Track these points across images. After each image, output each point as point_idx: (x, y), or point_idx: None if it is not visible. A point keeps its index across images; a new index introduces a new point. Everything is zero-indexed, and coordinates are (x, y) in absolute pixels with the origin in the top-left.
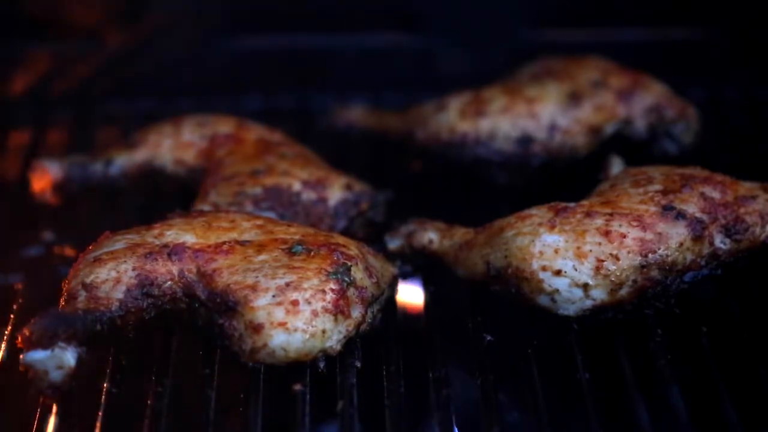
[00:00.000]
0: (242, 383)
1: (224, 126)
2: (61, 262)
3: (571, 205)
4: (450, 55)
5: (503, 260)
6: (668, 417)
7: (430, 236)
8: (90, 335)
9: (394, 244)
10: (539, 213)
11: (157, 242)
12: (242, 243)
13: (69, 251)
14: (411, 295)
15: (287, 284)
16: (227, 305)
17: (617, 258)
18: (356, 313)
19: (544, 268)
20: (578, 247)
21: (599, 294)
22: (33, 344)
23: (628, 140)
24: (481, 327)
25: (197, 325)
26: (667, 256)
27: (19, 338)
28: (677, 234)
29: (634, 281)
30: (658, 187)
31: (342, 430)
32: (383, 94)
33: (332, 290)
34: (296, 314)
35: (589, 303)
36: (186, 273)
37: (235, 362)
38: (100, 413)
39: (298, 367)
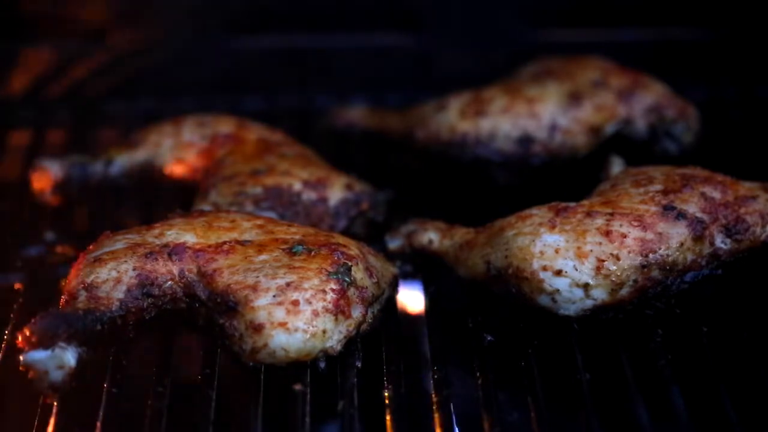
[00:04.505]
0: (242, 383)
1: (225, 126)
2: (61, 262)
3: (572, 205)
4: (450, 55)
5: (504, 260)
6: (668, 417)
7: (431, 236)
8: (90, 335)
9: (394, 244)
10: (540, 213)
11: (157, 242)
12: (243, 243)
13: (69, 251)
14: (411, 295)
15: (288, 284)
16: (228, 305)
17: (618, 258)
18: (357, 313)
19: (544, 268)
20: (579, 247)
21: (600, 294)
22: (33, 344)
23: (629, 140)
24: (481, 327)
25: (197, 325)
26: (668, 256)
27: (20, 338)
28: (678, 234)
29: (635, 281)
30: (658, 187)
31: (342, 430)
32: (383, 94)
33: (333, 290)
34: (297, 314)
35: (589, 303)
36: (186, 273)
37: (236, 362)
38: (100, 413)
39: (298, 367)
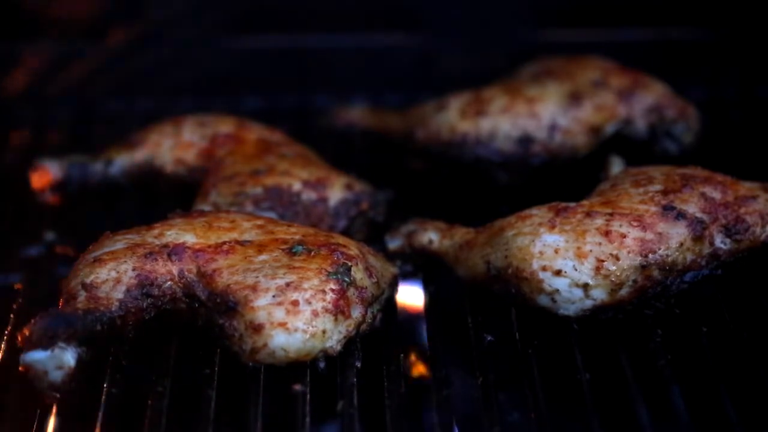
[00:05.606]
0: (242, 383)
1: (225, 126)
2: (61, 262)
3: (572, 205)
4: (450, 55)
5: (503, 260)
6: (668, 417)
7: (431, 236)
8: (90, 335)
9: (394, 244)
10: (539, 213)
11: (157, 242)
12: (242, 243)
13: (69, 251)
14: (411, 295)
15: (287, 284)
16: (227, 305)
17: (617, 258)
18: (356, 313)
19: (544, 268)
20: (578, 247)
21: (599, 294)
22: (33, 344)
23: (629, 140)
24: (481, 327)
25: (197, 325)
26: (668, 256)
27: (19, 338)
28: (677, 234)
29: (635, 281)
30: (658, 187)
31: (342, 430)
32: (383, 94)
33: (332, 290)
34: (296, 314)
35: (589, 303)
36: (186, 273)
37: (235, 362)
38: (100, 413)
39: (298, 367)
